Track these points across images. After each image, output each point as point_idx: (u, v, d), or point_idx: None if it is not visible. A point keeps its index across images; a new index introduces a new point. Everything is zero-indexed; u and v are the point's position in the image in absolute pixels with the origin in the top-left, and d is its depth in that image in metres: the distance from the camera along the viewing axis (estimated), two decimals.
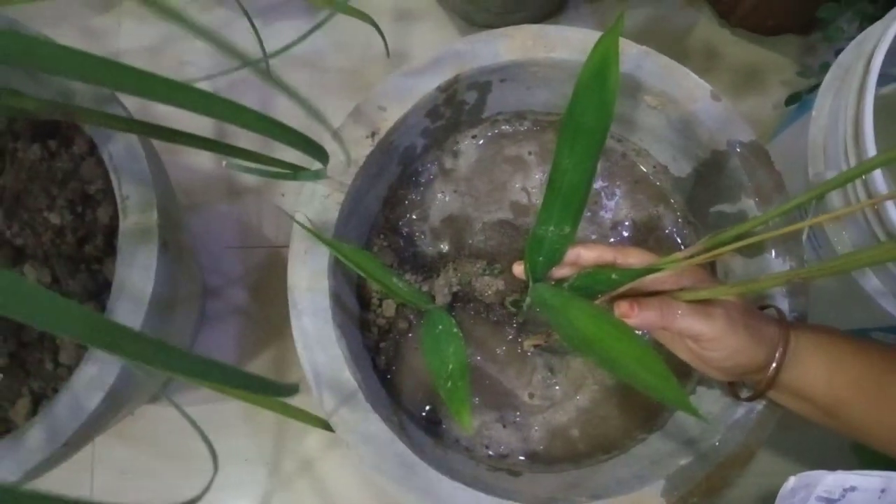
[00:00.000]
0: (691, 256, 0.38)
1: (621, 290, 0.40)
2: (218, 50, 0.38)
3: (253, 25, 0.62)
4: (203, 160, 0.78)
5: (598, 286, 0.41)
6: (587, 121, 0.37)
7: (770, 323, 0.42)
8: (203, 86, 0.79)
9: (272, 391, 0.30)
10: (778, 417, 0.47)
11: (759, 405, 0.46)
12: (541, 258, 0.42)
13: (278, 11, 0.81)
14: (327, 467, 0.72)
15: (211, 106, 0.36)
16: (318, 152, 0.45)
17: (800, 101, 0.69)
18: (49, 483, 0.69)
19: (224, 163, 0.54)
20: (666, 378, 0.33)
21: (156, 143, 0.57)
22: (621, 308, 0.40)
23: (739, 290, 0.37)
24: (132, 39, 0.80)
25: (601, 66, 0.38)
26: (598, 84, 0.38)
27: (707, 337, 0.39)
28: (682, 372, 0.54)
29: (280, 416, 0.72)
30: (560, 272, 0.44)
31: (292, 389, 0.31)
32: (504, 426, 0.53)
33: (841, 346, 0.41)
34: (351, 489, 0.72)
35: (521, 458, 0.53)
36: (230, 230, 0.77)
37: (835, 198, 0.54)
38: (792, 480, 0.41)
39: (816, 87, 0.61)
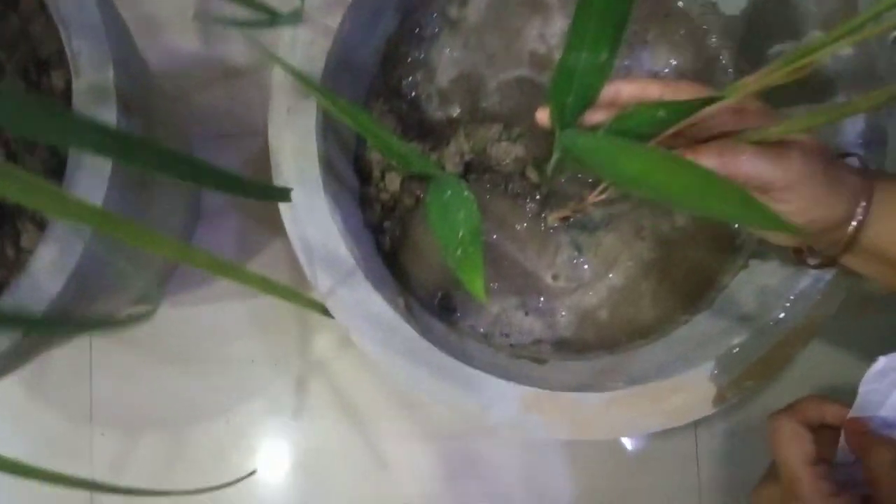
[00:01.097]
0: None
1: (671, 130, 0.32)
2: None
3: None
4: (187, 41, 0.70)
5: (641, 128, 0.33)
6: None
7: (851, 171, 0.34)
8: None
9: (264, 194, 0.26)
10: (849, 285, 0.40)
11: (828, 274, 0.39)
12: (570, 98, 0.34)
13: None
14: (338, 367, 0.67)
15: None
16: None
17: None
18: (46, 388, 0.66)
19: (193, 13, 0.47)
20: (746, 199, 0.25)
21: (136, 25, 0.50)
22: (704, 157, 0.32)
23: (815, 121, 0.29)
24: None
25: None
26: None
27: (780, 184, 0.32)
28: (730, 243, 0.47)
29: (284, 317, 0.68)
30: (594, 117, 0.36)
31: (282, 193, 0.26)
32: (526, 313, 0.47)
33: None
34: (364, 389, 0.67)
35: (548, 345, 0.47)
36: (223, 117, 0.70)
37: None
38: (881, 361, 0.35)
39: None
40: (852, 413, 0.36)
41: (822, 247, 0.37)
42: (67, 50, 0.41)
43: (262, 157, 0.68)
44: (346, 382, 0.67)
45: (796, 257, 0.39)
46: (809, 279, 0.39)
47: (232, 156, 0.69)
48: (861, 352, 0.65)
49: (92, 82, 0.40)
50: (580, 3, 0.31)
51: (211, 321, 0.68)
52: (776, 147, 0.32)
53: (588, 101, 0.34)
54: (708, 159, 0.32)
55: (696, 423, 0.64)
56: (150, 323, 0.68)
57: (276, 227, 0.69)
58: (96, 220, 0.29)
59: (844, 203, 0.33)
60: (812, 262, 0.38)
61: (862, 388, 0.36)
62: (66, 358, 0.67)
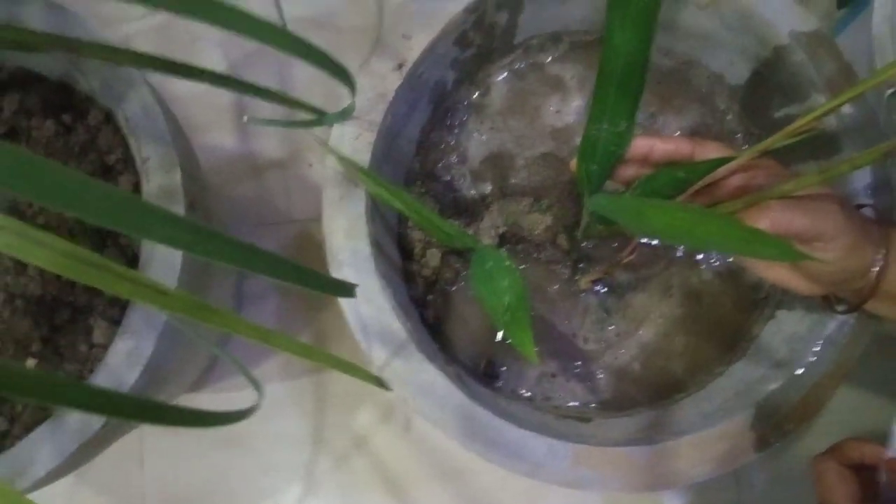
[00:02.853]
0: (769, 145, 0.33)
1: (692, 189, 0.36)
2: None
3: None
4: (225, 138, 0.75)
5: (664, 189, 0.37)
6: None
7: (870, 221, 0.37)
8: (217, 61, 0.77)
9: (332, 288, 0.28)
10: (873, 330, 0.42)
11: (852, 318, 0.42)
12: (595, 166, 0.37)
13: None
14: (380, 443, 0.69)
15: (231, 18, 0.34)
16: (342, 74, 0.41)
17: (853, 1, 0.64)
18: (100, 477, 0.68)
19: (245, 118, 0.51)
20: (761, 237, 0.29)
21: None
22: None
23: (829, 175, 0.32)
24: (141, 23, 0.78)
25: None
26: None
27: (827, 235, 0.34)
28: (754, 296, 0.49)
29: (325, 397, 0.70)
30: (626, 172, 0.38)
31: (349, 289, 0.28)
32: (567, 379, 0.49)
33: None
34: (407, 464, 0.68)
35: (591, 406, 0.49)
36: (260, 208, 0.74)
37: None
38: None
39: None
40: (890, 451, 0.38)
41: (844, 294, 0.39)
42: (136, 156, 0.45)
43: (297, 244, 0.72)
44: (389, 457, 0.69)
45: (823, 304, 0.42)
46: (835, 324, 0.42)
47: (268, 244, 0.73)
48: (891, 394, 0.66)
49: (161, 185, 0.44)
50: (599, 79, 0.35)
51: (248, 405, 0.70)
52: (816, 200, 0.35)
53: (612, 167, 0.38)
54: (760, 221, 0.33)
55: (737, 474, 0.65)
56: (197, 407, 0.70)
57: (314, 307, 0.72)
58: (182, 305, 0.32)
59: (871, 250, 0.36)
60: (839, 308, 0.41)
61: (895, 427, 0.38)
62: (117, 446, 0.69)
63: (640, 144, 0.37)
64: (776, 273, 0.39)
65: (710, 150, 0.37)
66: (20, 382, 0.20)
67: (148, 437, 0.69)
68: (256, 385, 0.33)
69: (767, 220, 0.33)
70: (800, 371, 0.42)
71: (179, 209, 0.43)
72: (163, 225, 0.28)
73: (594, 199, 0.38)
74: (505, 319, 0.38)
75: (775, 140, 0.33)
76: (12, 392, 0.21)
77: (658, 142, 0.37)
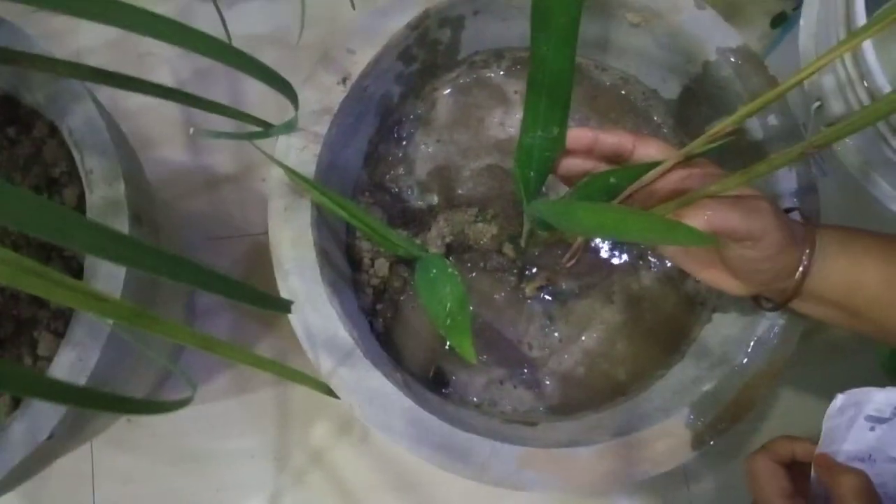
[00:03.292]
0: (701, 147, 0.35)
1: (625, 194, 0.37)
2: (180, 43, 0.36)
3: (217, 8, 0.58)
4: (178, 153, 0.75)
5: (596, 195, 0.38)
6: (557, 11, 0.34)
7: (796, 222, 0.39)
8: (167, 77, 0.77)
9: (268, 304, 0.29)
10: (801, 330, 0.44)
11: (781, 319, 0.44)
12: (532, 172, 0.39)
13: None
14: (338, 456, 0.69)
15: (178, 34, 0.35)
16: (288, 90, 0.42)
17: (786, 20, 0.67)
18: (49, 496, 0.67)
19: (191, 130, 0.52)
20: (675, 225, 0.32)
21: (130, 141, 0.55)
22: None
23: (751, 175, 0.34)
24: (91, 36, 0.77)
25: None
26: None
27: (757, 234, 0.35)
28: (692, 300, 0.51)
29: (282, 410, 0.70)
30: (569, 163, 0.39)
31: (285, 305, 0.29)
32: (514, 385, 0.50)
33: (865, 241, 0.38)
34: (365, 477, 0.69)
35: (539, 411, 0.50)
36: (213, 222, 0.74)
37: (833, 104, 0.52)
38: (840, 399, 0.39)
39: (799, 6, 0.59)
40: (819, 448, 0.40)
41: (772, 294, 0.41)
42: (80, 169, 0.45)
43: (250, 258, 0.73)
44: (347, 471, 0.69)
45: (753, 304, 0.44)
46: (764, 327, 0.44)
47: (222, 258, 0.73)
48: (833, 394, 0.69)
49: (105, 196, 0.44)
50: (530, 89, 0.36)
51: (208, 419, 0.70)
52: (747, 202, 0.36)
53: (548, 172, 0.39)
54: (695, 220, 0.34)
55: (688, 479, 0.67)
56: (148, 426, 0.70)
57: (266, 323, 0.72)
58: (125, 314, 0.32)
59: (796, 252, 0.37)
60: (767, 306, 0.42)
61: (825, 425, 0.40)
62: (67, 465, 0.68)
63: (585, 136, 0.38)
64: (710, 275, 0.40)
65: (651, 146, 0.38)
66: None
67: (99, 456, 0.68)
68: (189, 380, 0.33)
69: (703, 217, 0.34)
70: (732, 371, 0.43)
71: (123, 221, 0.44)
72: (102, 240, 0.29)
73: (532, 205, 0.40)
74: (446, 324, 0.39)
75: (697, 144, 0.35)
76: None
77: (602, 134, 0.38)
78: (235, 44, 0.65)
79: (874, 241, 0.38)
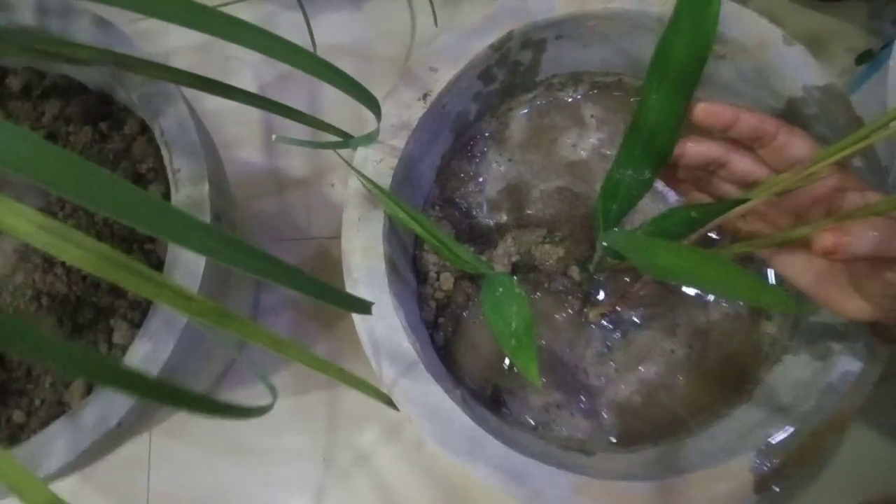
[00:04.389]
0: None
1: (709, 227, 0.37)
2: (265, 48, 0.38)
3: (305, 16, 0.60)
4: (252, 155, 0.77)
5: (676, 228, 0.38)
6: (679, 50, 0.34)
7: None
8: (250, 80, 0.79)
9: (349, 305, 0.29)
10: (875, 379, 0.43)
11: (856, 367, 0.42)
12: (615, 205, 0.39)
13: (322, 3, 0.80)
14: (385, 462, 0.69)
15: (266, 43, 0.36)
16: (370, 101, 0.43)
17: (872, 58, 0.65)
18: (105, 479, 0.69)
19: (273, 137, 0.53)
20: (762, 285, 0.30)
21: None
22: (824, 241, 0.31)
23: None
24: (180, 39, 0.81)
25: None
26: (697, 6, 0.34)
27: None
28: (762, 339, 0.50)
29: (333, 413, 0.71)
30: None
31: (366, 306, 0.30)
32: (571, 412, 0.50)
33: None
34: (411, 484, 0.69)
35: (597, 440, 0.49)
36: (281, 224, 0.76)
37: None
38: None
39: (889, 44, 0.57)
40: None
41: (891, 321, 0.37)
42: (168, 168, 0.47)
43: (314, 261, 0.74)
44: (395, 479, 0.69)
45: (871, 331, 0.41)
46: (838, 373, 0.42)
47: (287, 259, 0.74)
48: None
49: (190, 195, 0.46)
50: (631, 129, 0.36)
51: (262, 417, 0.71)
52: None
53: (630, 207, 0.39)
54: (861, 238, 0.31)
55: None
56: (205, 418, 0.71)
57: (328, 324, 0.73)
58: (204, 310, 0.33)
59: None
60: (891, 334, 0.39)
61: None
62: (125, 449, 0.70)
63: (724, 112, 0.35)
64: (828, 292, 0.37)
65: (798, 137, 0.35)
66: (60, 354, 0.22)
67: (156, 443, 0.70)
68: (271, 387, 0.34)
69: (871, 237, 0.31)
70: (800, 417, 0.42)
71: (206, 219, 0.45)
72: (191, 231, 0.30)
73: (608, 235, 0.40)
74: (511, 344, 0.39)
75: (784, 181, 0.34)
76: (55, 362, 0.22)
77: (744, 113, 0.35)
78: (318, 52, 0.67)
79: None
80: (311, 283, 0.34)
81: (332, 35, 0.80)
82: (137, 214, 0.27)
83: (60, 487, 0.69)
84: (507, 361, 0.51)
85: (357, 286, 0.44)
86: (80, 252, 0.28)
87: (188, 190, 0.46)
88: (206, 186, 0.46)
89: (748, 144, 0.37)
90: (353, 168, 0.41)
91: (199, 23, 0.36)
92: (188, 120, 0.47)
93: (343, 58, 0.78)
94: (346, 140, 0.47)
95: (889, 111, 0.34)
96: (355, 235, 0.45)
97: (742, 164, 0.37)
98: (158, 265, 0.49)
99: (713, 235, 0.51)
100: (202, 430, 0.71)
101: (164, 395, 0.30)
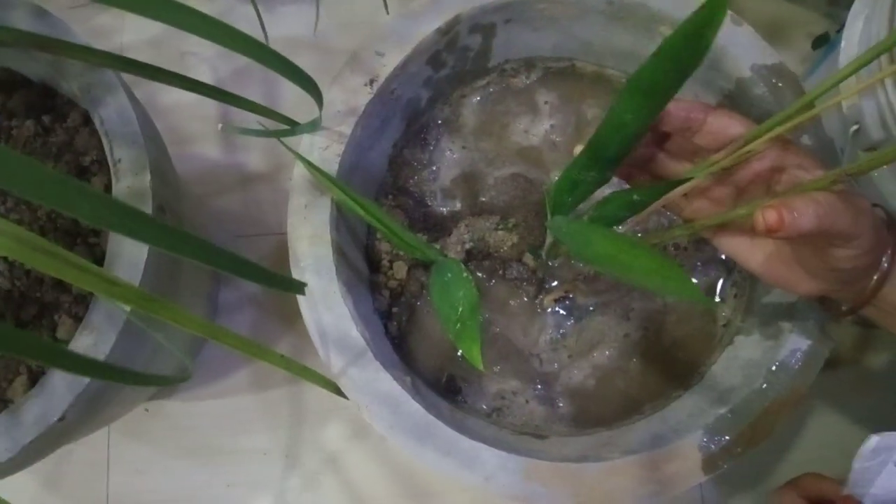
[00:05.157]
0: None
1: (651, 208, 0.36)
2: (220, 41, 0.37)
3: (256, 10, 0.59)
4: (213, 151, 0.76)
5: (617, 212, 0.38)
6: (662, 76, 0.33)
7: (881, 220, 0.35)
8: (206, 75, 0.78)
9: (277, 283, 0.29)
10: (825, 356, 0.43)
11: (806, 345, 0.42)
12: (570, 198, 0.38)
13: None
14: (350, 458, 0.69)
15: (213, 30, 0.36)
16: (312, 88, 0.42)
17: (828, 42, 0.65)
18: (65, 483, 0.68)
19: (220, 126, 0.52)
20: (683, 280, 0.30)
21: (166, 136, 0.56)
22: (768, 219, 0.31)
23: (854, 169, 0.31)
24: (135, 34, 0.79)
25: (701, 25, 0.32)
26: (689, 46, 0.32)
27: (857, 234, 0.32)
28: (715, 321, 0.50)
29: (296, 409, 0.70)
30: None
31: (297, 286, 0.29)
32: (526, 398, 0.50)
33: None
34: (376, 479, 0.68)
35: (551, 424, 0.49)
36: (242, 219, 0.75)
37: (872, 129, 0.50)
38: (874, 440, 0.37)
39: (843, 28, 0.57)
40: (846, 489, 0.38)
41: (844, 296, 0.38)
42: (109, 158, 0.46)
43: (275, 256, 0.73)
44: (357, 474, 0.68)
45: (821, 307, 0.41)
46: (787, 351, 0.42)
47: (249, 254, 0.73)
48: (863, 430, 0.66)
49: (131, 186, 0.45)
50: (596, 141, 0.35)
51: (224, 415, 0.70)
52: (854, 201, 0.32)
53: (583, 200, 0.39)
54: (804, 216, 0.31)
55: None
56: (165, 418, 0.70)
57: (287, 322, 0.72)
58: (140, 300, 0.32)
59: (880, 253, 0.34)
60: (844, 308, 0.39)
61: (855, 465, 0.38)
62: (84, 453, 0.69)
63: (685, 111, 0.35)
64: (776, 271, 0.37)
65: (730, 118, 0.35)
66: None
67: (115, 446, 0.69)
68: (184, 358, 0.33)
69: (814, 215, 0.31)
70: (750, 396, 0.42)
71: (147, 210, 0.44)
72: (127, 219, 0.29)
73: (553, 221, 0.39)
74: (456, 329, 0.38)
75: (724, 159, 0.34)
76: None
77: (670, 105, 0.35)
78: (273, 45, 0.66)
79: None
80: (240, 263, 0.33)
81: (289, 27, 0.79)
82: (75, 205, 0.27)
83: (20, 495, 0.68)
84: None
85: (304, 274, 0.44)
86: (3, 239, 0.28)
87: (129, 180, 0.45)
88: (148, 176, 0.45)
89: (681, 135, 0.37)
90: (295, 153, 0.41)
91: (154, 11, 0.35)
92: (128, 110, 0.46)
93: (301, 51, 0.77)
94: (292, 128, 0.46)
95: (814, 90, 0.33)
96: (301, 223, 0.44)
97: (719, 121, 0.36)
98: (103, 259, 0.48)
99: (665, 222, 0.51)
100: (161, 430, 0.69)
101: (86, 368, 0.30)
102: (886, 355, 0.69)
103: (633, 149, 0.35)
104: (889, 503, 0.37)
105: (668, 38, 0.32)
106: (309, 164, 0.41)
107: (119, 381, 0.26)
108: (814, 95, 0.33)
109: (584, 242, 0.34)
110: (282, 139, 0.45)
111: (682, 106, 0.35)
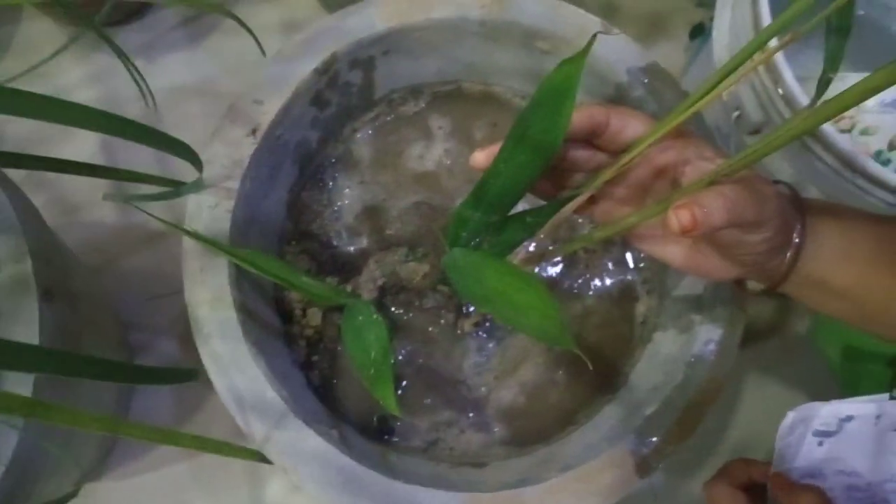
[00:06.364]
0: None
1: (547, 227, 0.36)
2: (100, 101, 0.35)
3: (133, 67, 0.56)
4: (110, 214, 0.73)
5: (516, 236, 0.38)
6: (534, 133, 0.34)
7: (787, 200, 0.36)
8: (94, 142, 0.75)
9: (167, 378, 0.28)
10: (738, 343, 0.44)
11: (717, 333, 0.43)
12: (464, 234, 0.38)
13: (160, 46, 0.77)
14: None
15: (59, 112, 0.34)
16: (187, 153, 0.41)
17: (703, 32, 0.68)
18: None
19: (102, 195, 0.50)
20: (559, 325, 0.33)
21: (54, 206, 0.52)
22: (682, 219, 0.31)
23: (750, 160, 0.30)
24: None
25: (561, 85, 0.34)
26: (552, 105, 0.34)
27: (764, 219, 0.33)
28: (633, 321, 0.51)
29: (231, 469, 0.67)
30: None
31: (189, 374, 0.28)
32: (461, 427, 0.49)
33: (853, 218, 0.36)
34: None
35: (490, 449, 0.48)
36: (150, 279, 0.72)
37: (752, 112, 0.52)
38: (790, 416, 0.38)
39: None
40: (774, 468, 0.39)
41: (760, 276, 0.38)
42: None
43: (185, 316, 0.70)
44: None
45: (738, 288, 0.42)
46: (700, 343, 0.43)
47: (160, 316, 0.71)
48: (796, 396, 0.69)
49: (12, 275, 0.42)
50: (480, 186, 0.36)
51: (157, 488, 0.67)
52: (759, 188, 0.33)
53: (477, 237, 0.39)
54: (715, 207, 0.31)
55: (657, 499, 0.65)
56: (95, 500, 0.67)
57: (211, 382, 0.70)
58: (26, 409, 0.30)
59: (789, 233, 0.35)
60: (758, 289, 0.40)
61: (777, 444, 0.39)
62: None
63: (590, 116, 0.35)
64: (690, 259, 0.37)
65: (632, 117, 0.35)
66: None
67: None
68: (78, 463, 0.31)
69: (724, 209, 0.31)
70: (672, 392, 0.43)
71: (32, 298, 0.42)
72: None
73: (449, 256, 0.39)
74: (370, 374, 0.37)
75: (622, 163, 0.35)
76: None
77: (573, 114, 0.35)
78: (159, 97, 0.63)
79: (864, 219, 0.37)
80: (121, 370, 0.32)
81: (172, 77, 0.76)
82: None
83: None
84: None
85: (209, 341, 0.42)
86: None
87: (10, 269, 0.42)
88: (30, 262, 0.42)
89: (587, 140, 0.37)
90: (174, 226, 0.39)
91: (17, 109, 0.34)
92: (1, 196, 0.44)
93: (187, 98, 0.75)
94: (176, 189, 0.44)
95: (693, 94, 0.34)
96: (199, 288, 0.42)
97: (619, 122, 0.36)
98: None
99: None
100: None
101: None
102: (807, 320, 0.71)
103: (520, 193, 0.36)
104: (814, 472, 0.39)
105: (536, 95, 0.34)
106: (189, 231, 0.39)
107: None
108: (694, 100, 0.34)
109: (476, 279, 0.35)
110: (168, 203, 0.44)
111: (584, 113, 0.35)
